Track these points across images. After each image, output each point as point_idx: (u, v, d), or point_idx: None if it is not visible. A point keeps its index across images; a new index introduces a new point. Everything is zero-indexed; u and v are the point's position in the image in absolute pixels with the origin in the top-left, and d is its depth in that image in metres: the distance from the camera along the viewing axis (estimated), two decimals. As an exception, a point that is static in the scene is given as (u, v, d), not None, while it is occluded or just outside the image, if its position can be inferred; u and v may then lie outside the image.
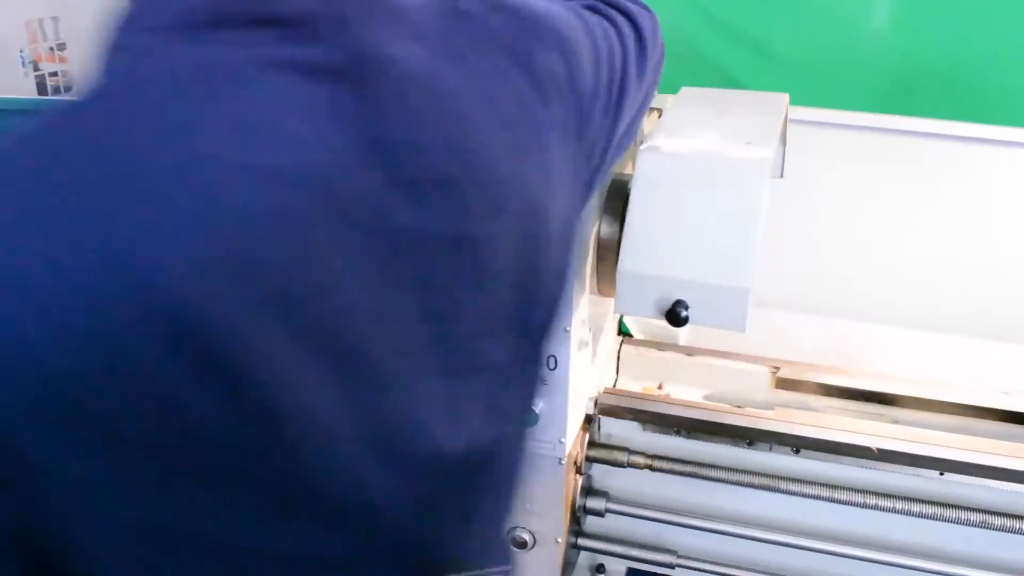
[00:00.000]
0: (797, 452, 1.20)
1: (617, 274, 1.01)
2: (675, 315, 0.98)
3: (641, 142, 1.06)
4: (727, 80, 2.18)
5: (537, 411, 1.11)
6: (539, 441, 1.13)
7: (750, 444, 1.22)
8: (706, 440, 1.23)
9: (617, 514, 1.29)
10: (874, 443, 1.15)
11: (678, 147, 1.04)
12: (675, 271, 0.99)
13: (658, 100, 1.44)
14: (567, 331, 1.06)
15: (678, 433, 1.24)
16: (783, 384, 1.34)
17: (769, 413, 1.24)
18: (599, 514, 1.29)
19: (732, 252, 0.98)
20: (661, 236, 1.00)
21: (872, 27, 1.93)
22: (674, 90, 2.15)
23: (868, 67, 2.01)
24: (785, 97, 1.24)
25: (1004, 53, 1.79)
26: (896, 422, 1.32)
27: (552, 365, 1.09)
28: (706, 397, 1.38)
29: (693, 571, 1.29)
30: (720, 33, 1.99)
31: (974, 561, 1.18)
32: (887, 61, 1.98)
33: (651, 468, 1.24)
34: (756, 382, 1.37)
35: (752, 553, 1.27)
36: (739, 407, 1.35)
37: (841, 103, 1.69)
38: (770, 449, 1.21)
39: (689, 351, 1.41)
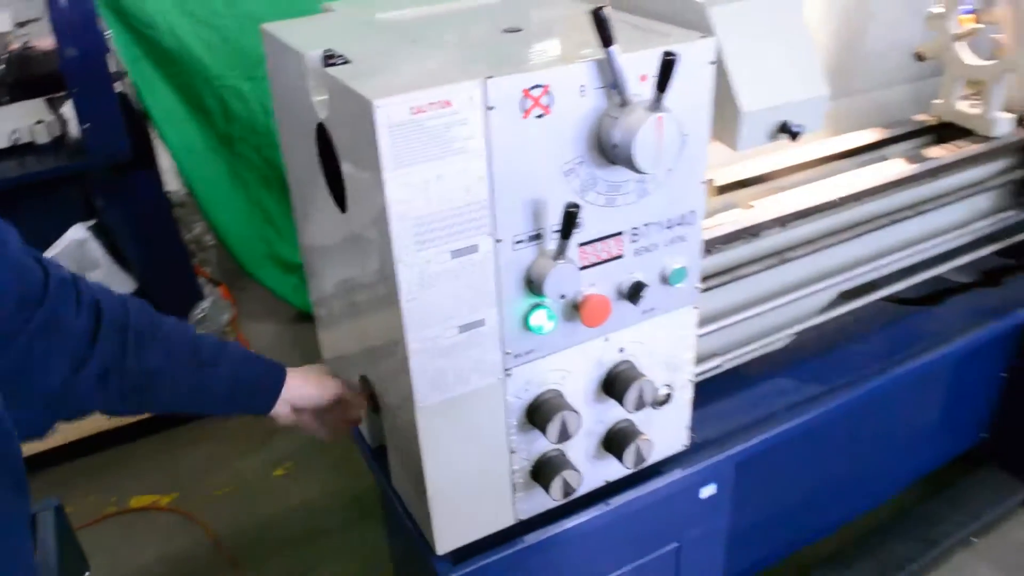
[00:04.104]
0: (784, 226, 1.53)
1: (741, 116, 1.17)
2: (791, 133, 1.19)
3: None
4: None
5: (684, 267, 1.22)
6: (684, 291, 1.25)
7: (756, 236, 1.50)
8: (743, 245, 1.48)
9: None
10: (836, 195, 1.54)
11: (727, -2, 1.20)
12: (780, 98, 1.19)
13: None
14: (703, 183, 1.18)
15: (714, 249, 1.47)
16: (722, 190, 1.64)
17: (754, 210, 1.53)
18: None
19: (809, 68, 1.21)
20: (758, 74, 1.18)
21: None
22: None
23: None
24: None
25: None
26: (782, 189, 1.73)
27: (692, 220, 1.20)
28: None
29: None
30: None
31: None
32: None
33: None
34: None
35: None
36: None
37: None
38: (777, 232, 1.51)
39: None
